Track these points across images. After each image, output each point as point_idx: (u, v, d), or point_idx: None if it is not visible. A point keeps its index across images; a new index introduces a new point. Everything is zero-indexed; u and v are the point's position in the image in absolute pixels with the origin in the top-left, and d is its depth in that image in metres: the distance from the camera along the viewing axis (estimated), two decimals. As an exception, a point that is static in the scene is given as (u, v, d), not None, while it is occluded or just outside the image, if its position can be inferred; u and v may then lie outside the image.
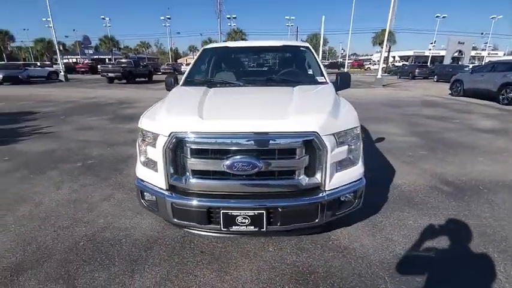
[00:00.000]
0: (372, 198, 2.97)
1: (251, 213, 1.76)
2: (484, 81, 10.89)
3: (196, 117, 1.81)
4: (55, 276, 1.96)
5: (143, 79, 22.91)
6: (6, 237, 2.41)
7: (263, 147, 1.72)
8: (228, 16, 37.76)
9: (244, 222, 1.79)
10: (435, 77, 23.11)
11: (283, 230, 1.89)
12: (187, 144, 1.78)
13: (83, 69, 36.99)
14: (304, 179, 1.82)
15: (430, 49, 46.03)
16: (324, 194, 1.84)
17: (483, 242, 2.27)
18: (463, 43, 40.92)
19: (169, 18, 44.21)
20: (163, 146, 1.82)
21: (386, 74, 33.66)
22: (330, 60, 50.13)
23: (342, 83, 3.14)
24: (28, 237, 2.41)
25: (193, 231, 2.16)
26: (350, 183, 1.97)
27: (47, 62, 41.59)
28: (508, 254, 2.12)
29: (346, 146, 1.91)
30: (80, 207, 2.92)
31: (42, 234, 2.45)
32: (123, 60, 24.17)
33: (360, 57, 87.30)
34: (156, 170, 1.94)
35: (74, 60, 53.60)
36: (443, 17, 43.07)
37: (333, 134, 1.82)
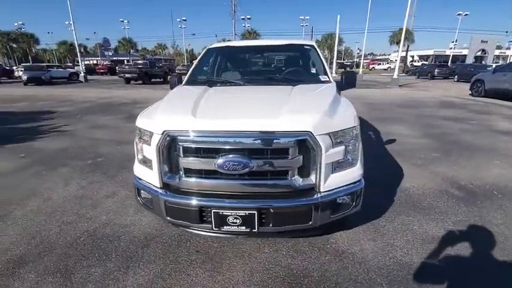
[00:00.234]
0: (376, 201, 2.88)
1: (242, 213, 1.74)
2: (507, 81, 10.33)
3: (188, 116, 1.81)
4: (53, 269, 2.01)
5: (159, 80, 23.39)
6: (13, 230, 2.51)
7: (254, 146, 1.69)
8: (243, 17, 37.98)
9: (236, 223, 1.76)
10: (455, 77, 22.18)
11: (275, 231, 1.85)
12: (179, 143, 1.78)
13: (102, 71, 38.29)
14: (297, 180, 1.78)
15: (451, 48, 44.21)
16: (319, 196, 1.78)
17: (493, 251, 2.13)
18: (487, 42, 39.03)
19: (184, 20, 44.97)
20: (157, 144, 1.83)
21: (404, 74, 32.71)
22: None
23: (347, 82, 3.07)
24: (33, 231, 2.50)
25: (189, 230, 2.16)
26: (347, 185, 1.90)
27: (69, 64, 43.45)
28: (520, 265, 1.99)
29: (343, 147, 1.84)
30: (85, 203, 3.00)
31: (47, 228, 2.54)
32: (140, 62, 24.84)
33: (378, 57, 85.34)
34: (151, 168, 1.95)
35: (95, 61, 55.54)
36: (465, 15, 41.25)
37: (328, 134, 1.76)
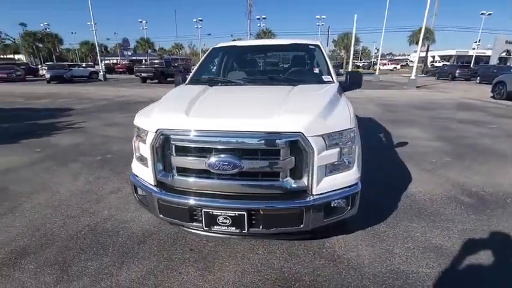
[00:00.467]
0: (378, 206, 2.80)
1: (232, 214, 1.73)
2: (532, 83, 9.74)
3: (181, 115, 1.81)
4: (52, 262, 2.08)
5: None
6: (20, 222, 2.62)
7: (244, 146, 1.68)
8: (258, 17, 37.99)
9: (226, 223, 1.75)
10: (478, 78, 21.15)
11: (266, 233, 1.83)
12: (171, 141, 1.79)
13: (120, 70, 39.42)
14: (289, 182, 1.75)
15: (474, 48, 42.20)
16: (310, 199, 1.75)
17: (498, 264, 2.01)
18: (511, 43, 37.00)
19: (201, 20, 45.56)
20: (151, 142, 1.85)
21: (423, 75, 31.62)
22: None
23: (352, 82, 3.00)
24: (39, 223, 2.60)
25: (184, 228, 2.17)
26: (342, 188, 1.85)
27: (90, 63, 45.05)
28: (529, 279, 1.86)
29: (338, 149, 1.79)
30: (89, 198, 3.09)
31: (51, 221, 2.63)
32: (156, 61, 25.36)
33: (397, 57, 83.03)
34: (147, 166, 1.98)
35: (114, 61, 57.28)
36: (489, 15, 39.26)
37: (322, 136, 1.71)
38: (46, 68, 24.49)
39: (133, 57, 54.83)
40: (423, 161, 4.13)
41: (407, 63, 55.47)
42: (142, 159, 2.06)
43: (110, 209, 2.83)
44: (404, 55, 75.81)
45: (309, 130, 1.67)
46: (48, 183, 3.48)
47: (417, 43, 23.55)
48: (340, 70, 36.08)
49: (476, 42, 42.13)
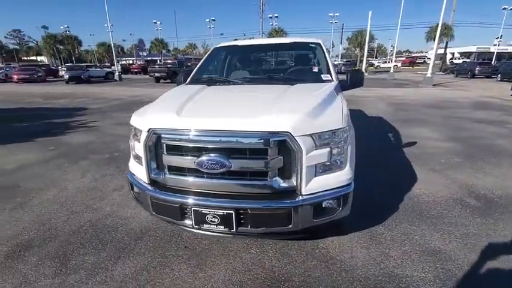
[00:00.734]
0: (378, 208, 2.74)
1: (220, 212, 1.74)
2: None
3: (172, 115, 1.84)
4: (53, 255, 2.17)
5: (186, 78, 24.09)
6: (28, 216, 2.75)
7: (232, 146, 1.68)
8: (270, 15, 37.85)
9: (214, 221, 1.77)
10: (498, 75, 20.17)
11: (254, 232, 1.83)
12: (162, 140, 1.82)
13: (136, 70, 40.34)
14: (277, 181, 1.74)
15: (495, 45, 40.18)
16: (299, 199, 1.73)
17: (500, 270, 1.92)
18: (537, 38, 34.93)
19: (213, 20, 45.91)
20: (144, 141, 1.89)
21: (441, 73, 30.52)
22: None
23: (353, 81, 2.94)
24: (45, 218, 2.71)
25: (180, 226, 2.20)
26: (333, 188, 1.82)
27: (106, 64, 46.42)
28: (531, 287, 1.77)
29: (328, 149, 1.76)
30: (94, 195, 3.20)
31: (57, 216, 2.74)
32: (169, 61, 25.80)
33: (414, 54, 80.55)
34: (141, 165, 2.02)
35: (130, 61, 58.71)
36: (511, 9, 37.27)
37: (311, 135, 1.70)
38: (65, 69, 25.47)
39: (148, 58, 55.98)
40: (431, 161, 4.00)
41: (424, 61, 53.69)
42: (137, 158, 2.11)
43: (112, 206, 2.92)
44: (422, 52, 73.42)
45: (297, 130, 1.65)
46: (58, 180, 3.63)
47: (434, 39, 22.74)
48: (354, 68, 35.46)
49: (497, 38, 40.16)
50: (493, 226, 2.42)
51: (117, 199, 3.07)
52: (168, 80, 22.40)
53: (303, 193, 1.75)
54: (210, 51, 3.54)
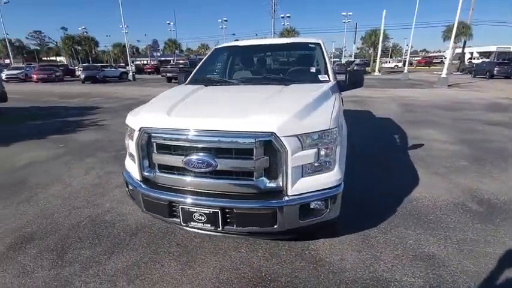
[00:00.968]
0: (375, 210, 2.70)
1: (206, 211, 1.76)
2: None
3: (162, 114, 1.88)
4: (52, 248, 2.26)
5: (197, 78, 24.37)
6: (32, 210, 2.87)
7: (217, 145, 1.71)
8: (282, 15, 37.71)
9: (201, 220, 1.80)
10: (520, 76, 19.31)
11: (240, 232, 1.84)
12: (152, 139, 1.87)
13: (149, 70, 41.11)
14: (263, 182, 1.75)
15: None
16: (284, 199, 1.73)
17: (496, 279, 1.85)
18: None
19: (225, 21, 46.19)
20: (136, 140, 1.94)
21: (458, 73, 29.54)
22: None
23: (352, 82, 2.91)
24: (48, 212, 2.82)
25: (169, 223, 2.24)
26: (321, 189, 1.81)
27: (121, 64, 47.55)
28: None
29: (315, 150, 1.75)
30: (96, 191, 3.30)
31: (59, 211, 2.85)
32: (181, 61, 26.16)
33: (431, 54, 78.32)
34: (135, 162, 2.08)
35: (144, 62, 59.91)
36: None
37: (297, 136, 1.69)
38: (81, 69, 26.25)
39: (161, 58, 56.98)
40: (436, 164, 3.89)
41: (442, 61, 52.07)
42: (131, 156, 2.17)
43: (112, 202, 3.01)
44: (440, 52, 71.23)
45: (282, 130, 1.65)
46: (64, 176, 3.76)
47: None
48: (367, 68, 34.80)
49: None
50: (493, 232, 2.33)
51: (118, 196, 3.15)
52: (180, 80, 22.70)
53: (289, 194, 1.75)
54: (210, 51, 3.58)
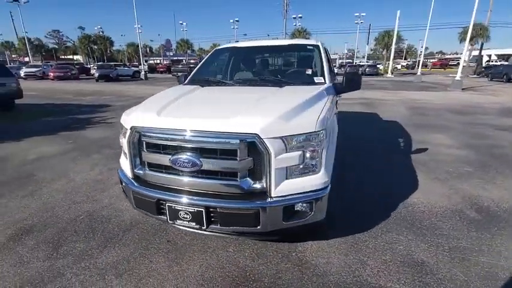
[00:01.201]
0: (368, 214, 2.68)
1: (191, 209, 1.80)
2: None
3: (152, 114, 1.93)
4: (49, 240, 2.36)
5: (207, 78, 24.63)
6: (35, 204, 2.99)
7: (202, 145, 1.74)
8: (294, 16, 37.55)
9: (186, 218, 1.84)
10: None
11: (224, 231, 1.87)
12: (142, 138, 1.92)
13: (161, 69, 41.76)
14: (247, 182, 1.77)
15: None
16: (267, 201, 1.75)
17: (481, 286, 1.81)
18: None
19: (237, 21, 46.38)
20: (127, 138, 2.00)
21: (475, 76, 28.60)
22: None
23: (349, 84, 2.88)
24: (49, 206, 2.94)
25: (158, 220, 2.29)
26: (305, 192, 1.81)
27: (135, 63, 48.57)
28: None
29: (300, 152, 1.76)
30: (97, 187, 3.40)
31: (60, 205, 2.96)
32: (192, 61, 26.55)
33: (447, 56, 76.21)
34: (127, 160, 2.14)
35: (157, 61, 60.95)
36: None
37: (281, 138, 1.71)
38: (96, 67, 26.96)
39: (174, 58, 57.95)
40: (438, 169, 3.81)
41: (458, 63, 50.57)
42: (124, 154, 2.23)
43: (110, 198, 3.09)
44: (457, 53, 69.16)
45: (266, 132, 1.67)
46: (69, 172, 3.89)
47: (470, 40, 21.31)
48: (380, 68, 34.12)
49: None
50: (489, 241, 2.27)
51: (117, 192, 3.24)
52: (190, 80, 22.98)
53: (273, 195, 1.76)
54: (211, 52, 3.63)
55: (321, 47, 3.18)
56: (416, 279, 1.87)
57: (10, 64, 40.74)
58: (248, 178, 1.78)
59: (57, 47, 69.95)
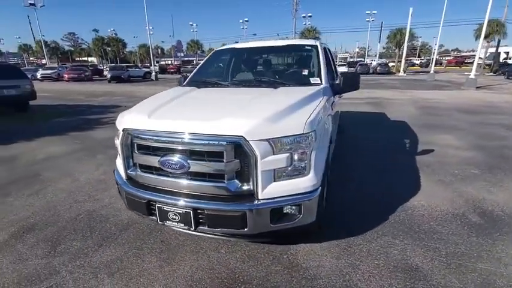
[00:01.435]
0: (365, 217, 2.63)
1: (180, 211, 1.82)
2: None
3: (143, 116, 1.96)
4: (49, 238, 2.43)
5: (216, 78, 24.81)
6: (39, 202, 3.09)
7: (189, 147, 1.75)
8: (304, 15, 37.30)
9: (175, 219, 1.86)
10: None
11: (212, 232, 1.88)
12: (133, 140, 1.95)
13: (172, 70, 42.36)
14: (235, 184, 1.77)
15: None
16: (254, 203, 1.75)
17: (481, 295, 1.74)
18: None
19: (247, 21, 46.52)
20: (120, 140, 2.04)
21: (492, 74, 27.61)
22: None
23: (347, 84, 2.84)
24: (52, 205, 3.03)
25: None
26: (294, 194, 1.80)
27: (146, 64, 49.45)
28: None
29: (287, 154, 1.75)
30: (99, 186, 3.48)
31: (62, 204, 3.04)
32: (201, 62, 26.71)
33: (464, 53, 73.83)
34: (121, 162, 2.18)
35: (168, 62, 61.81)
36: None
37: (268, 140, 1.70)
38: (108, 69, 27.60)
39: (185, 58, 58.69)
40: (443, 171, 3.69)
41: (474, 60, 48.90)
42: (119, 155, 2.27)
43: (111, 198, 3.16)
44: (473, 51, 66.89)
45: (251, 134, 1.67)
46: (73, 172, 4.00)
47: (485, 37, 20.63)
48: (392, 68, 33.44)
49: None
50: (489, 247, 2.18)
51: (117, 192, 3.30)
52: (199, 80, 23.18)
53: (260, 197, 1.76)
54: (210, 53, 3.65)
55: (319, 47, 3.14)
56: (408, 285, 1.83)
57: (28, 66, 42.30)
58: (235, 180, 1.78)
59: (72, 49, 71.99)
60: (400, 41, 34.93)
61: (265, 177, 1.74)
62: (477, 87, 14.44)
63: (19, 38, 67.14)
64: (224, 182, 1.77)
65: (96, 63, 57.82)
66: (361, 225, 2.50)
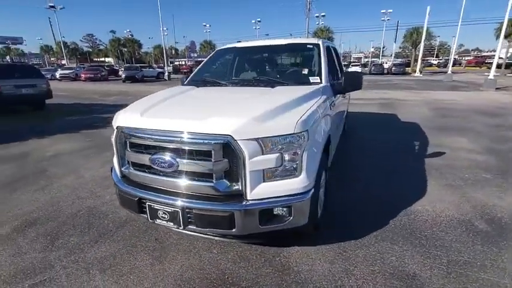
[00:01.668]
0: (365, 220, 2.55)
1: (169, 209, 1.81)
2: None
3: (136, 114, 1.97)
4: (49, 232, 2.49)
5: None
6: (44, 198, 3.18)
7: (179, 146, 1.74)
8: (317, 15, 36.89)
9: (165, 217, 1.85)
10: None
11: (200, 232, 1.86)
12: (126, 138, 1.97)
13: (185, 70, 42.86)
14: (223, 184, 1.74)
15: None
16: (242, 203, 1.71)
17: (481, 307, 1.64)
18: None
19: (259, 21, 46.55)
20: (114, 137, 2.06)
21: (513, 74, 26.34)
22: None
23: (349, 84, 2.77)
24: (56, 201, 3.11)
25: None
26: (284, 196, 1.76)
27: (161, 64, 50.34)
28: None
29: (278, 154, 1.71)
30: (102, 183, 3.55)
31: (65, 200, 3.12)
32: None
33: (485, 53, 70.96)
34: (116, 160, 2.21)
35: (182, 62, 62.70)
36: None
37: (257, 140, 1.67)
38: (123, 69, 28.30)
39: (198, 59, 59.38)
40: (452, 175, 3.54)
41: (496, 61, 46.81)
42: (114, 153, 2.30)
43: (112, 195, 3.21)
44: (494, 51, 64.19)
45: (239, 133, 1.64)
46: (80, 168, 4.10)
47: (506, 37, 19.73)
48: (407, 69, 32.56)
49: None
50: (494, 256, 2.06)
51: (119, 189, 3.35)
52: (210, 80, 23.37)
53: (248, 198, 1.73)
54: (212, 53, 3.65)
55: (321, 46, 3.07)
56: (403, 294, 1.74)
57: (48, 67, 43.99)
58: (224, 180, 1.75)
59: (91, 50, 74.37)
60: (416, 41, 33.98)
61: (254, 178, 1.70)
62: (496, 88, 13.80)
63: (41, 39, 69.85)
64: (213, 182, 1.75)
65: (112, 63, 59.35)
66: (359, 228, 2.42)
